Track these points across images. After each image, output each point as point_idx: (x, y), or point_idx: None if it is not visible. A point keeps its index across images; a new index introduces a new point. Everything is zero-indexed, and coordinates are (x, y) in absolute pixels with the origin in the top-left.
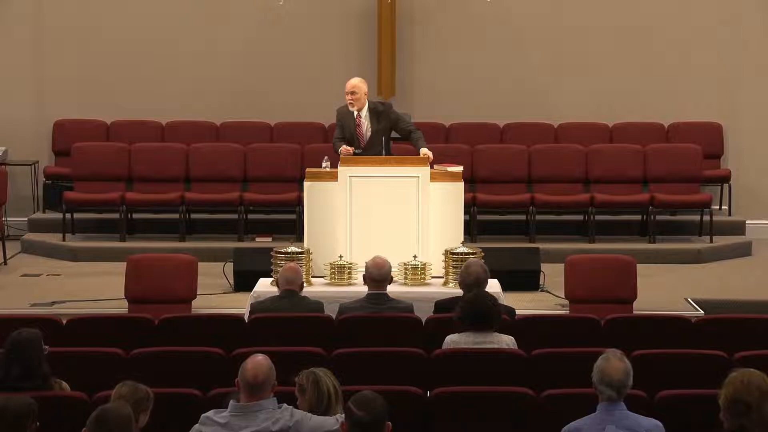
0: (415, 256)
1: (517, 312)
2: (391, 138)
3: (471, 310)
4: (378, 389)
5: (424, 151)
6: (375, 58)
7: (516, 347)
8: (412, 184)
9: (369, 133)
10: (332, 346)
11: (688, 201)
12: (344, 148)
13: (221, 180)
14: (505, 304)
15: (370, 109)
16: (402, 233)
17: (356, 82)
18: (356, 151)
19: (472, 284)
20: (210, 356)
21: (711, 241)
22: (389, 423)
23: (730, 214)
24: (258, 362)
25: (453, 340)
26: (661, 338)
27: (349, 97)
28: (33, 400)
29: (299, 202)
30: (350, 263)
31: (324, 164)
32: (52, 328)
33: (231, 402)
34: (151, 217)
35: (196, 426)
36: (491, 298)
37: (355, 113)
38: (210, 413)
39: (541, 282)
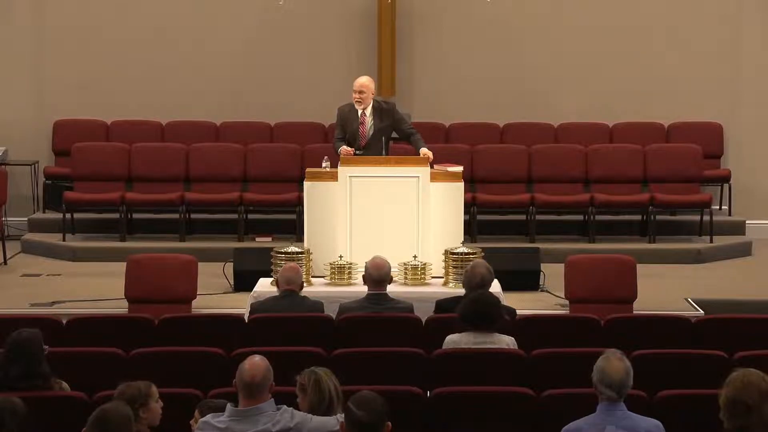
0: (415, 256)
1: (517, 312)
2: (391, 138)
3: (473, 309)
4: (378, 389)
5: (424, 150)
6: (375, 58)
7: (516, 348)
8: (412, 184)
9: (371, 132)
10: (332, 346)
11: (688, 201)
12: (344, 149)
13: (221, 180)
14: (505, 304)
15: (374, 108)
16: (402, 233)
17: (365, 81)
18: (357, 152)
19: (478, 285)
20: (210, 356)
21: (711, 241)
22: (389, 423)
23: (730, 214)
24: (255, 363)
25: (453, 340)
26: (661, 338)
27: (357, 96)
28: (20, 400)
29: (299, 202)
30: (350, 263)
31: (324, 164)
32: (52, 328)
33: (228, 406)
34: (151, 217)
35: None
36: (495, 299)
37: (360, 111)
38: (208, 418)
39: (541, 282)
